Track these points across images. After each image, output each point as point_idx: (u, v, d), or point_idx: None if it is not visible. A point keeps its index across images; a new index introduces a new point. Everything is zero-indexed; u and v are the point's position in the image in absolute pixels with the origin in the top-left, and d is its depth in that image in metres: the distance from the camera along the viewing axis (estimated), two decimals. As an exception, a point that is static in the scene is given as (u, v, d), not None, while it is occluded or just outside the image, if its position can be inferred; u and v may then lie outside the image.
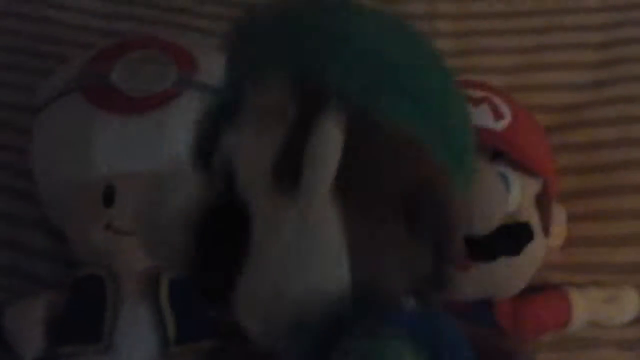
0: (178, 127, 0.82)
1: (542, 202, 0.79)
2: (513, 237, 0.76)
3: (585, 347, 0.80)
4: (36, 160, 0.86)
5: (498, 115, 0.80)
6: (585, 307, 0.79)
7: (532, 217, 0.78)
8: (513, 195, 0.77)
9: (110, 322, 0.76)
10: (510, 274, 0.77)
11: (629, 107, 0.93)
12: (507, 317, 0.77)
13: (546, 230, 0.79)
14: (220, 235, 0.54)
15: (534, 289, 0.80)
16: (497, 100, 0.82)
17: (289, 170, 0.53)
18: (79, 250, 0.81)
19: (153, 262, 0.77)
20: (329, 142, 0.53)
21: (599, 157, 0.90)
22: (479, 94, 0.82)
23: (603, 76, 0.97)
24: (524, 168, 0.78)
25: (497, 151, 0.78)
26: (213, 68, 0.86)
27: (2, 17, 1.07)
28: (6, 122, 0.98)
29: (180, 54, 0.87)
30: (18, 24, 1.07)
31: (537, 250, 0.78)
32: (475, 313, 0.76)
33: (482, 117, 0.79)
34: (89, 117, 0.83)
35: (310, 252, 0.53)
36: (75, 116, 0.84)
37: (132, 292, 0.77)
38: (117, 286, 0.77)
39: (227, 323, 0.78)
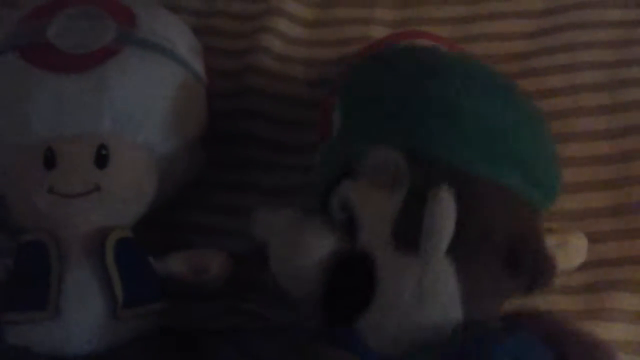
0: (119, 86, 0.79)
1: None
2: None
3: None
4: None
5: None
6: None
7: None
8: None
9: (55, 287, 0.74)
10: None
11: (574, 54, 0.93)
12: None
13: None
14: (347, 277, 0.67)
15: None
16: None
17: (408, 236, 0.64)
18: (20, 215, 0.79)
19: (97, 225, 0.77)
20: (444, 213, 0.63)
21: (549, 105, 0.89)
22: (427, 44, 0.81)
23: (548, 25, 0.96)
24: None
25: None
26: (154, 24, 0.85)
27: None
28: None
29: (119, 9, 0.84)
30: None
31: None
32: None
33: None
34: (25, 77, 0.80)
35: (429, 299, 0.64)
36: (11, 76, 0.81)
37: (77, 256, 0.75)
38: (61, 251, 0.75)
39: (174, 284, 0.78)
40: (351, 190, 0.69)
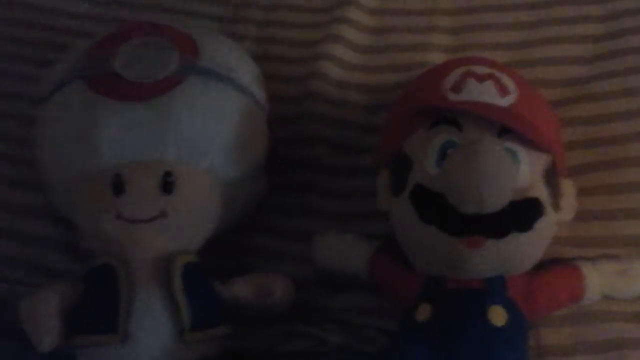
0: (183, 114, 0.81)
1: (551, 177, 0.79)
2: (524, 213, 0.76)
3: (599, 321, 0.80)
4: (42, 152, 0.86)
5: (504, 91, 0.79)
6: (598, 280, 0.79)
7: (542, 193, 0.77)
8: (522, 171, 0.77)
9: (124, 311, 0.75)
10: (522, 250, 0.77)
11: (633, 78, 0.93)
12: (520, 293, 0.76)
13: (556, 205, 0.79)
14: None
15: (546, 264, 0.80)
16: (502, 76, 0.81)
17: None
18: (90, 240, 0.81)
19: (164, 250, 0.78)
20: None
21: (606, 130, 0.90)
22: (483, 70, 0.81)
23: (606, 48, 0.96)
24: (532, 143, 0.77)
25: (505, 128, 0.77)
26: (216, 52, 0.87)
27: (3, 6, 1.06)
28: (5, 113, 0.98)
29: (182, 39, 0.86)
30: (16, 12, 1.07)
31: (547, 225, 0.78)
32: (488, 289, 0.76)
33: (488, 93, 0.79)
34: (93, 106, 0.82)
35: None
36: (79, 105, 0.83)
37: (145, 281, 0.77)
38: (130, 275, 0.77)
39: (239, 308, 0.79)
40: None
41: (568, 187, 0.82)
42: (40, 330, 0.76)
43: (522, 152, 0.77)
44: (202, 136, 0.82)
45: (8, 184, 0.94)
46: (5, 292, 0.85)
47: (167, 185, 0.80)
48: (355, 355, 0.73)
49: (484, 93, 0.79)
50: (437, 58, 0.98)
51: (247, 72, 0.88)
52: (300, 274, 0.84)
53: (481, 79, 0.80)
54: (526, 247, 0.77)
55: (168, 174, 0.80)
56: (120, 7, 1.07)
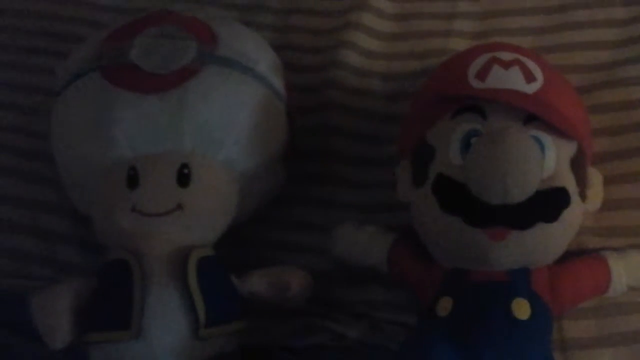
0: (200, 105, 0.80)
1: (578, 166, 0.77)
2: (550, 203, 0.74)
3: (625, 313, 0.78)
4: (58, 144, 0.85)
5: (530, 78, 0.78)
6: (624, 271, 0.77)
7: (568, 182, 0.76)
8: (548, 160, 0.75)
9: (138, 307, 0.74)
10: (548, 241, 0.75)
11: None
12: (545, 285, 0.75)
13: (583, 195, 0.77)
14: None
15: (571, 255, 0.78)
16: (528, 62, 0.80)
17: None
18: (104, 234, 0.80)
19: (179, 244, 0.77)
20: None
21: (632, 117, 0.87)
22: (509, 56, 0.80)
23: (633, 33, 0.94)
24: (559, 131, 0.75)
25: (531, 114, 0.75)
26: (234, 42, 0.85)
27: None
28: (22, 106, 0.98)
29: (199, 28, 0.85)
30: (32, 4, 1.06)
31: (574, 216, 0.76)
32: (512, 282, 0.74)
33: (514, 79, 0.77)
34: (109, 97, 0.81)
35: None
36: (95, 97, 0.82)
37: (159, 275, 0.76)
38: (144, 270, 0.76)
39: (256, 302, 0.78)
40: None
41: (595, 175, 0.80)
42: (53, 326, 0.75)
43: (549, 140, 0.75)
44: (219, 127, 0.81)
45: (24, 179, 0.93)
46: (19, 288, 0.85)
47: (183, 177, 0.79)
48: (374, 350, 0.71)
49: (510, 80, 0.77)
50: (460, 44, 0.96)
51: (266, 61, 0.87)
52: (318, 267, 0.83)
53: (507, 65, 0.78)
54: (552, 239, 0.75)
55: (184, 166, 0.79)
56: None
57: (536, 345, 0.72)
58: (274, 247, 0.88)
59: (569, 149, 0.77)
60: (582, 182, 0.77)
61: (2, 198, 0.93)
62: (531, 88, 0.77)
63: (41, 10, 1.06)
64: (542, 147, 0.75)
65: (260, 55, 0.87)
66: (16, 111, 0.98)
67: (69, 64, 0.87)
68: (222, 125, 0.81)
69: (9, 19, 1.06)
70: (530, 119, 0.75)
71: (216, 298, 0.76)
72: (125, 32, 0.85)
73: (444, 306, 0.74)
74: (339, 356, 0.70)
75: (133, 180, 0.79)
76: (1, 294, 0.86)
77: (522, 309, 0.73)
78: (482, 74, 0.78)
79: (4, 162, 0.95)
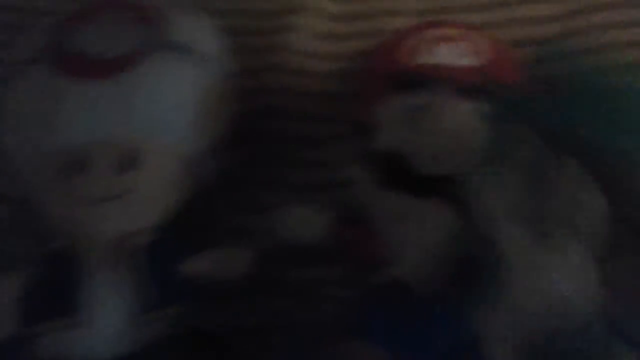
0: (146, 90, 0.80)
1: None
2: None
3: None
4: (3, 132, 0.84)
5: (474, 53, 0.79)
6: None
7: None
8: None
9: (82, 294, 0.74)
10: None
11: (607, 35, 0.92)
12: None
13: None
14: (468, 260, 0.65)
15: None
16: (473, 37, 0.81)
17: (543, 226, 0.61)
18: (47, 222, 0.80)
19: (123, 230, 0.77)
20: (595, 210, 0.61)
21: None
22: (453, 32, 0.81)
23: (577, 5, 0.95)
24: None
25: (477, 88, 0.76)
26: (180, 26, 0.85)
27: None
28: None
29: (145, 13, 0.85)
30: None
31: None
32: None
33: (458, 55, 0.79)
34: (55, 85, 0.81)
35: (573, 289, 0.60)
36: (40, 84, 0.82)
37: (103, 262, 0.76)
38: (88, 257, 0.76)
39: (201, 285, 0.79)
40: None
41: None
42: None
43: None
44: (164, 112, 0.81)
45: None
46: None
47: (128, 163, 0.79)
48: (318, 327, 0.72)
49: (454, 55, 0.78)
50: (407, 23, 0.96)
51: (213, 45, 0.87)
52: (263, 247, 0.82)
53: (451, 40, 0.79)
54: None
55: (129, 150, 0.79)
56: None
57: None
58: (217, 229, 0.87)
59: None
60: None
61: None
62: (475, 62, 0.78)
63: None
64: (485, 119, 0.75)
65: (207, 38, 0.87)
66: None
67: (14, 52, 0.86)
68: (169, 109, 0.81)
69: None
70: (476, 92, 0.76)
71: (160, 282, 0.76)
72: (73, 19, 0.85)
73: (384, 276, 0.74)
74: (286, 335, 0.70)
75: (77, 166, 0.78)
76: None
77: None
78: (426, 50, 0.79)
79: None
